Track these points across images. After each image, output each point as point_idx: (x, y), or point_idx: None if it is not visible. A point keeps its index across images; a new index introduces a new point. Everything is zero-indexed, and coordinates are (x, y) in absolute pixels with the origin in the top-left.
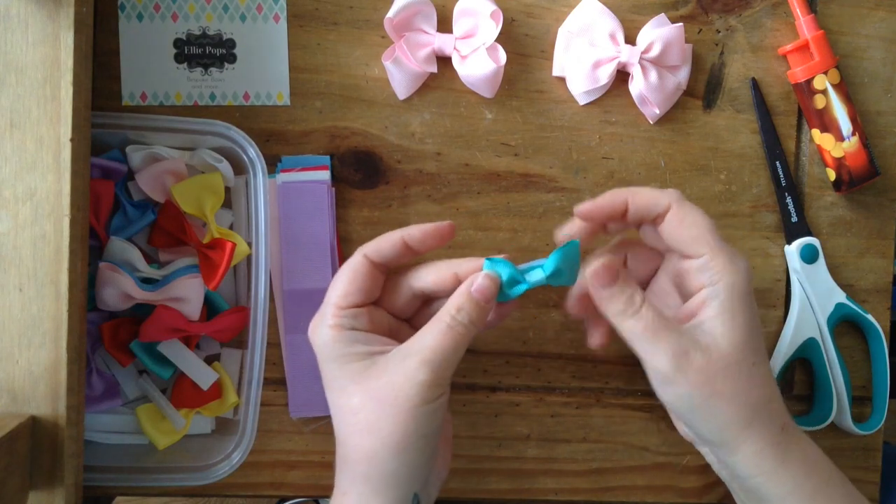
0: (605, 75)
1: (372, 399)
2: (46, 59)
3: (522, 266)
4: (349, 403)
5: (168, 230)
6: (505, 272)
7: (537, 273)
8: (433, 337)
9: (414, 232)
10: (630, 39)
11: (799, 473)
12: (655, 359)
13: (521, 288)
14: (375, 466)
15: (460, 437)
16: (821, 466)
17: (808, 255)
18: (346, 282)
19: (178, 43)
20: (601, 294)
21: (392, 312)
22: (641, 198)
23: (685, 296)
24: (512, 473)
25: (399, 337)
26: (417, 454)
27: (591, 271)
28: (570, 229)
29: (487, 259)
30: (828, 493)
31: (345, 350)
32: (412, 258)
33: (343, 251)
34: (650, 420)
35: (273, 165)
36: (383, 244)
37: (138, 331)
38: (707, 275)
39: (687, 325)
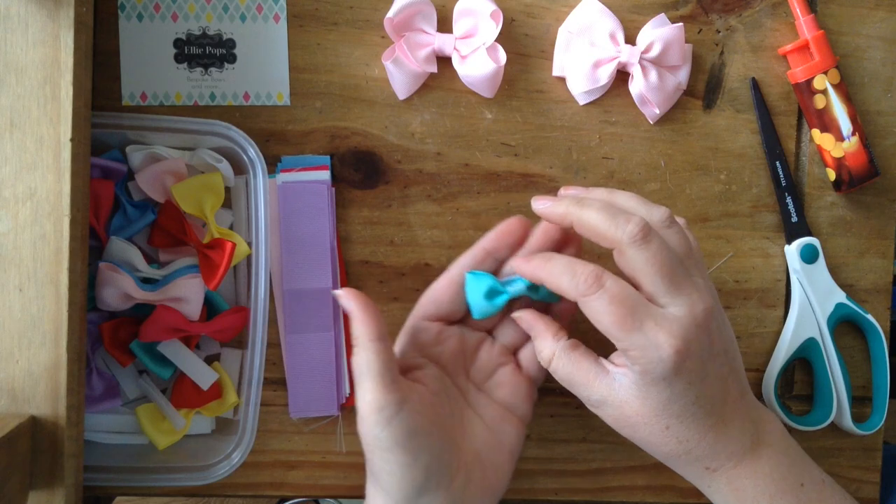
0: (605, 75)
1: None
2: (46, 59)
3: (504, 279)
4: None
5: (168, 230)
6: (485, 284)
7: (518, 284)
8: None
9: (489, 239)
10: (630, 39)
11: (729, 500)
12: (577, 394)
13: (502, 298)
14: (370, 484)
15: None
16: (757, 492)
17: (808, 255)
18: (424, 295)
19: (178, 43)
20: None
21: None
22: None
23: None
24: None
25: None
26: (387, 477)
27: (517, 316)
28: (536, 206)
29: (469, 273)
30: None
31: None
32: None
33: (343, 251)
34: None
35: (273, 165)
36: (464, 259)
37: (138, 331)
38: (623, 357)
39: (615, 368)
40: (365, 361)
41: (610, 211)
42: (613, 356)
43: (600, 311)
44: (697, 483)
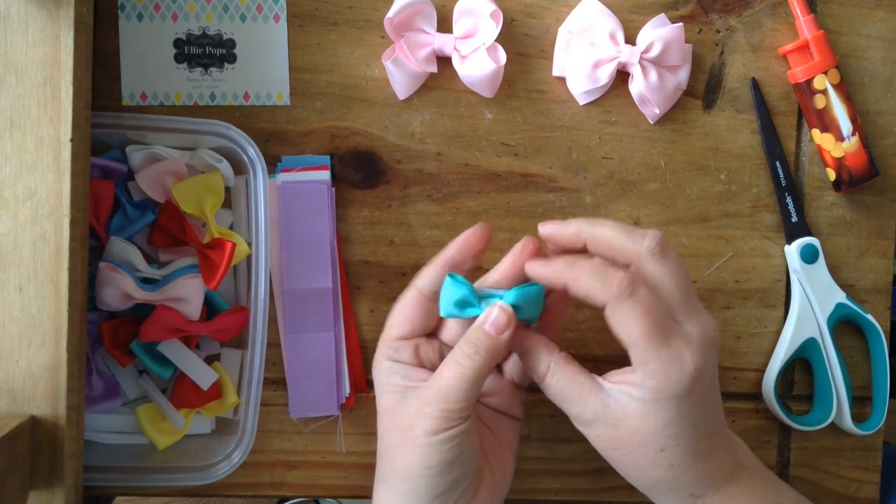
0: (605, 75)
1: (392, 427)
2: (46, 59)
3: (483, 291)
4: (379, 428)
5: (168, 230)
6: (460, 292)
7: (495, 300)
8: (442, 373)
9: (451, 252)
10: (630, 39)
11: None
12: (569, 411)
13: (473, 311)
14: (390, 488)
15: None
16: None
17: (808, 255)
18: (396, 313)
19: (178, 43)
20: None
21: (450, 342)
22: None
23: None
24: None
25: None
26: (424, 482)
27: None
28: (543, 230)
29: (449, 275)
30: None
31: (385, 380)
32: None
33: (343, 251)
34: None
35: (273, 165)
36: (428, 273)
37: (138, 331)
38: (638, 371)
39: (611, 385)
40: (476, 368)
41: (624, 227)
42: (610, 375)
43: (631, 320)
44: None
